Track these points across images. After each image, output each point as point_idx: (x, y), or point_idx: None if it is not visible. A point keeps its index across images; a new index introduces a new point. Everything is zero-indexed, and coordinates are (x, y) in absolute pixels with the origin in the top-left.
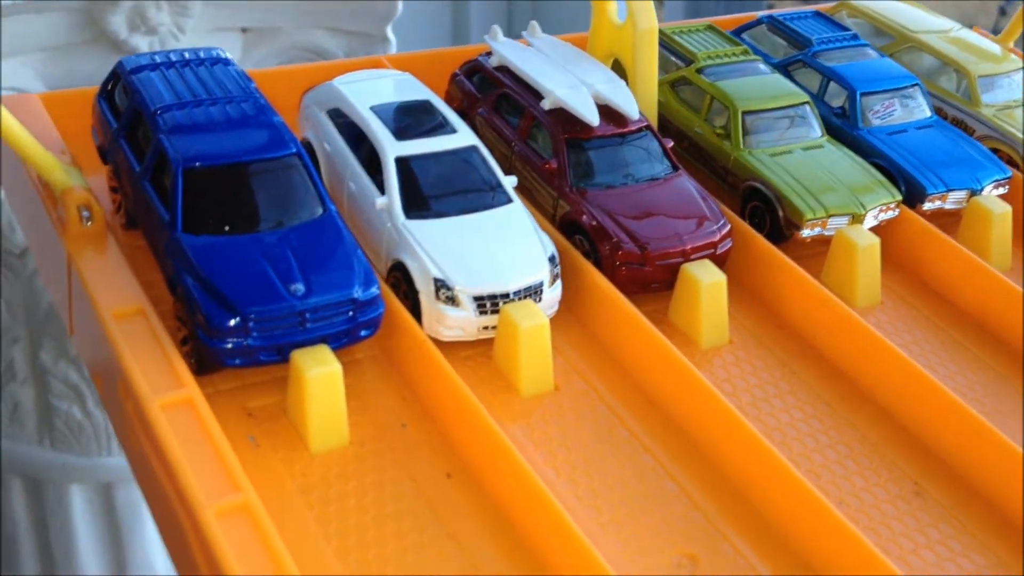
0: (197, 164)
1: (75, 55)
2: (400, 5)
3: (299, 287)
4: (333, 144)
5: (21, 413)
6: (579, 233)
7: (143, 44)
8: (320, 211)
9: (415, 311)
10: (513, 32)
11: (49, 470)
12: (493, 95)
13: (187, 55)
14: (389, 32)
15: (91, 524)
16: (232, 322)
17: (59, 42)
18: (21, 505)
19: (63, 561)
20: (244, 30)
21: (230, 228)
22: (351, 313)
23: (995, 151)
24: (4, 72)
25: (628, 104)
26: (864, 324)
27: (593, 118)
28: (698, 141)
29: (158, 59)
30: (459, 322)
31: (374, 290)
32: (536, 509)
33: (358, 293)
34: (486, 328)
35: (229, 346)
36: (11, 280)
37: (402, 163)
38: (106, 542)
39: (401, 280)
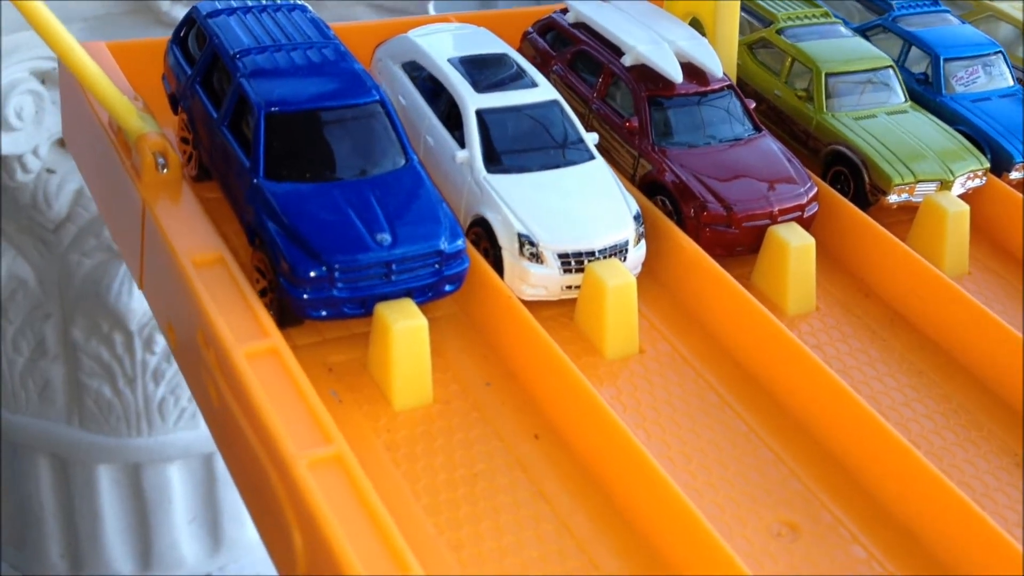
0: (280, 108)
1: (116, 25)
2: None
3: (386, 237)
4: (409, 98)
5: (51, 391)
6: (661, 193)
7: (184, 14)
8: (403, 161)
9: (496, 268)
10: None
11: (77, 449)
12: (569, 52)
13: (263, 1)
14: (430, 7)
15: (118, 505)
16: (317, 271)
17: (101, 11)
18: (48, 484)
19: (88, 542)
20: None
21: (313, 175)
22: (437, 266)
23: None
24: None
25: (711, 62)
26: (959, 290)
27: (676, 75)
28: (777, 104)
29: (235, 4)
30: (543, 280)
31: (460, 243)
32: (633, 471)
33: (444, 245)
34: (569, 287)
35: (314, 297)
36: (45, 256)
37: (483, 116)
38: (132, 524)
39: (482, 236)
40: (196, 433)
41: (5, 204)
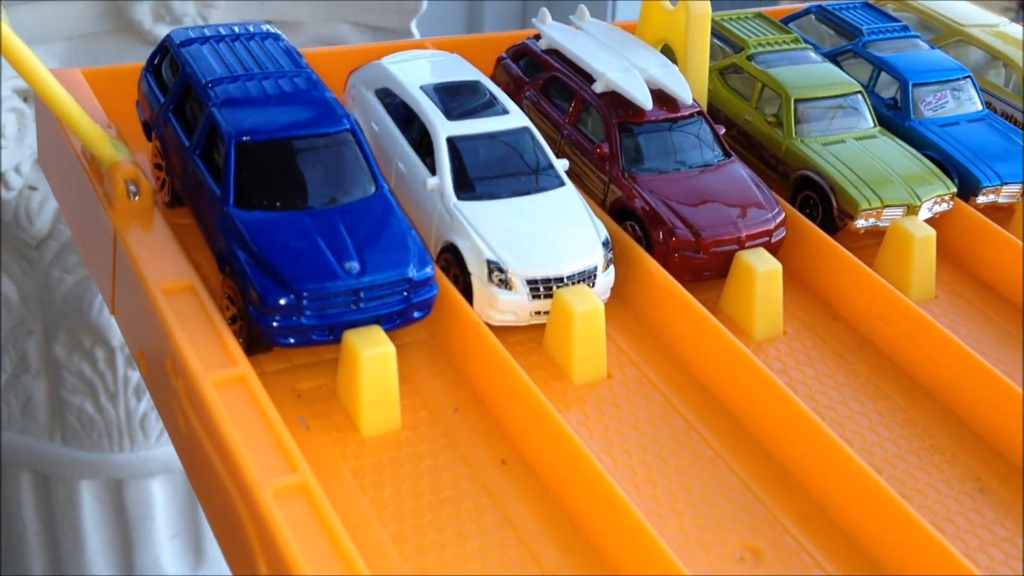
0: (251, 138)
1: (99, 44)
2: (425, 3)
3: (354, 265)
4: (381, 124)
5: (33, 407)
6: (631, 219)
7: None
8: (373, 189)
9: (466, 295)
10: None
11: (59, 465)
12: (542, 78)
13: (237, 29)
14: (413, 27)
15: (100, 521)
16: (286, 299)
17: (83, 31)
18: (30, 501)
19: (71, 559)
20: (268, 23)
21: (283, 204)
22: (405, 293)
23: None
24: None
25: (681, 89)
26: (925, 315)
27: (646, 102)
28: (747, 129)
29: (208, 32)
30: (511, 306)
31: (428, 271)
32: (598, 497)
33: (413, 273)
34: (538, 313)
35: (282, 324)
36: (27, 272)
37: (454, 143)
38: (115, 540)
39: (452, 263)
40: None
41: None
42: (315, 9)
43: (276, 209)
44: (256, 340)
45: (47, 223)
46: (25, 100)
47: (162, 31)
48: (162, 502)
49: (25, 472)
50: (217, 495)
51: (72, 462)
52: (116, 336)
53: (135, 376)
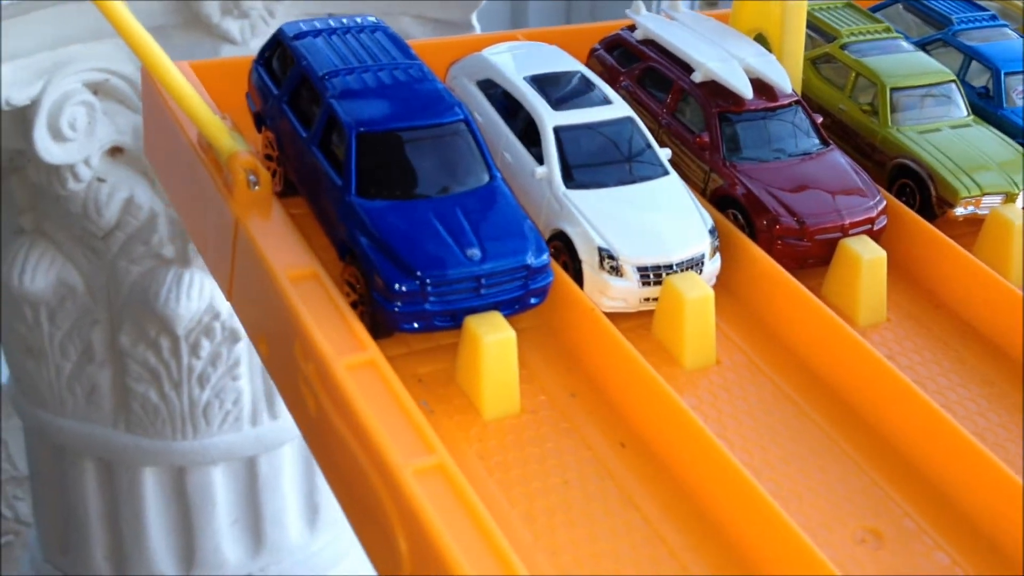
0: (371, 129)
1: (167, 38)
2: None
3: (475, 252)
4: (485, 115)
5: (98, 395)
6: (733, 207)
7: (234, 28)
8: (487, 178)
9: (576, 281)
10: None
11: (123, 453)
12: (637, 69)
13: (346, 21)
14: (474, 19)
15: (162, 509)
16: (410, 286)
17: (153, 24)
18: (93, 488)
19: (133, 545)
20: (331, 15)
21: (402, 193)
22: (524, 280)
23: None
24: (99, 53)
25: (780, 78)
26: None
27: (747, 91)
28: (842, 118)
29: (319, 25)
30: (622, 292)
31: (545, 257)
32: (723, 479)
33: (531, 260)
34: (647, 300)
35: (406, 310)
36: (93, 263)
37: (560, 133)
38: (177, 527)
39: (561, 250)
40: (239, 436)
41: (56, 213)
42: (378, 2)
43: (396, 198)
44: (379, 326)
45: (115, 215)
46: (95, 93)
47: (230, 25)
48: (222, 489)
49: (89, 460)
50: (352, 476)
51: (136, 449)
52: (181, 325)
53: (199, 365)
